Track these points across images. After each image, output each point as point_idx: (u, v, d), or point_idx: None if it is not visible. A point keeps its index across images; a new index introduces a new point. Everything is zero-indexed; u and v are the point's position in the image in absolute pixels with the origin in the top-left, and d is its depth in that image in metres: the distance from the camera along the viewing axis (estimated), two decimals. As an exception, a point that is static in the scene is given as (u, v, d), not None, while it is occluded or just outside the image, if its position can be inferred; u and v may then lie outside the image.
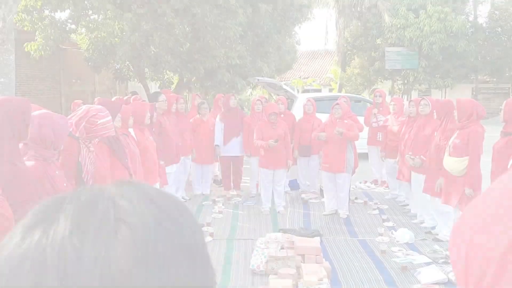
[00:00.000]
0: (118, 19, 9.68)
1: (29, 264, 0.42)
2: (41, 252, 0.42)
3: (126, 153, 4.09)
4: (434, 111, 5.68)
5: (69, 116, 3.36)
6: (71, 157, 3.21)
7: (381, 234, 5.73)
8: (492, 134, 5.96)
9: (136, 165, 4.45)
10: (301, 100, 9.92)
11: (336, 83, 25.64)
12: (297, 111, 9.03)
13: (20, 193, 2.29)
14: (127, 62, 12.10)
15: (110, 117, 3.43)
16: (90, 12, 10.02)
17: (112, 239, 0.43)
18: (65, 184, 2.91)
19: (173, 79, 13.91)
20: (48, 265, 0.42)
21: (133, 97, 7.88)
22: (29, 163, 2.60)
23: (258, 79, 10.97)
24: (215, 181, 8.77)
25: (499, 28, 23.82)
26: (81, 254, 0.42)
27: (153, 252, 0.44)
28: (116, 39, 10.57)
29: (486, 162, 4.73)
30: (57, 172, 2.82)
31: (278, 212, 6.84)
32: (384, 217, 6.47)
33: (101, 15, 9.52)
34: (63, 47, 13.22)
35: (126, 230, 0.44)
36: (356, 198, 7.48)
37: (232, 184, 7.97)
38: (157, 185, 5.31)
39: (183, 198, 7.51)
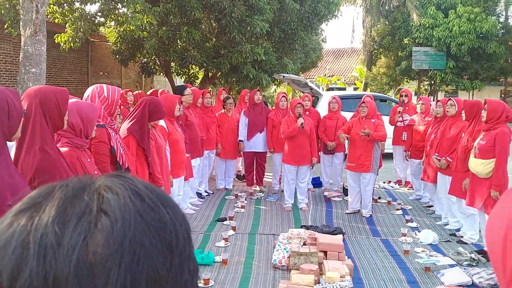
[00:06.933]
0: (146, 12, 9.79)
1: (13, 248, 0.44)
2: (25, 237, 0.45)
3: (153, 146, 4.15)
4: (463, 111, 5.58)
5: None
6: (104, 145, 3.28)
7: (404, 235, 5.67)
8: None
9: (162, 157, 4.50)
10: (326, 98, 9.87)
11: (361, 82, 25.38)
12: (322, 109, 8.99)
13: (51, 180, 2.34)
14: (154, 56, 12.23)
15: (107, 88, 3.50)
16: (119, 5, 10.17)
17: (92, 228, 0.45)
18: (95, 172, 2.98)
19: (198, 73, 14.00)
20: (30, 250, 0.44)
21: (160, 90, 7.98)
22: (63, 149, 2.66)
23: (284, 76, 10.93)
24: (238, 176, 8.81)
25: (531, 30, 23.20)
26: (61, 241, 0.44)
27: (130, 243, 0.45)
28: (144, 32, 10.69)
29: (512, 165, 4.64)
30: (88, 160, 2.89)
31: (301, 208, 6.83)
32: (407, 217, 6.40)
33: (130, 9, 9.64)
34: (92, 39, 13.43)
35: (106, 220, 0.46)
36: (379, 198, 7.42)
37: (255, 179, 7.99)
38: (182, 177, 5.37)
39: (206, 192, 7.57)
